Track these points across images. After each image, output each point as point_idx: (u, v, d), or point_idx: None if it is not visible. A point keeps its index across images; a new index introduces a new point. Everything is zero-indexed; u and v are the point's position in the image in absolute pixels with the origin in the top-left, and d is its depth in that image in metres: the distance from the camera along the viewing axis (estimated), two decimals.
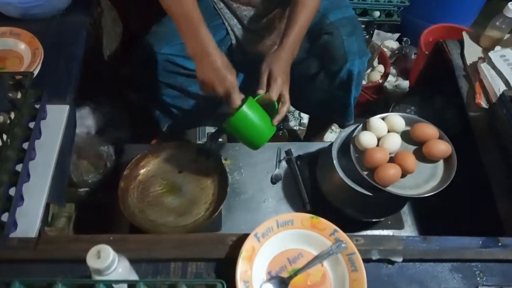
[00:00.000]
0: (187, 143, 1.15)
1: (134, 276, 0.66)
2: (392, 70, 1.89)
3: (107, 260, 0.57)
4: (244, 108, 0.85)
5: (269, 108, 0.90)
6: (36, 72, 1.03)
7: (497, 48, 1.15)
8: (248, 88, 1.36)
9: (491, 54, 1.13)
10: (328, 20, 1.07)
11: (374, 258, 0.76)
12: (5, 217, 0.78)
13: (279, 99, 0.90)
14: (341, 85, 1.11)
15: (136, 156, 1.07)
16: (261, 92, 0.90)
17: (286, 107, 0.90)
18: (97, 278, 0.59)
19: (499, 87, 1.07)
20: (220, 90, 0.88)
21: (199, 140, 1.59)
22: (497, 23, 1.16)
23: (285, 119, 1.74)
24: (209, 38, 0.88)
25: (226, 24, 1.17)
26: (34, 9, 1.13)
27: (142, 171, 1.08)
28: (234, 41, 1.19)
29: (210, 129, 1.61)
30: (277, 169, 1.16)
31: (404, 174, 0.92)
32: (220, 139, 1.58)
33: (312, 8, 0.97)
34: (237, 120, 0.86)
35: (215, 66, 0.87)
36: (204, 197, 1.05)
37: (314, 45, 1.10)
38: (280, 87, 0.89)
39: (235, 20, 1.16)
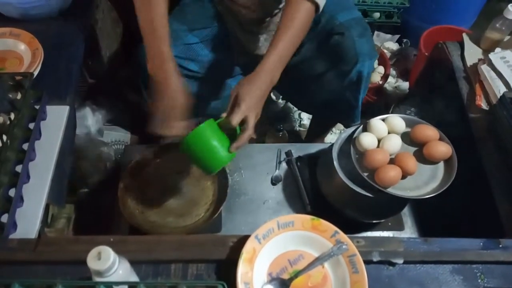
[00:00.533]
0: None
1: (134, 278, 0.66)
2: (392, 72, 1.89)
3: (108, 262, 0.56)
4: (201, 127, 0.81)
5: (235, 133, 0.86)
6: (36, 73, 1.03)
7: (497, 49, 1.15)
8: None
9: (491, 55, 1.13)
10: (338, 21, 1.06)
11: (375, 259, 0.76)
12: (4, 218, 0.78)
13: (243, 125, 0.84)
14: (350, 85, 1.11)
15: (136, 157, 1.07)
16: (224, 115, 0.84)
17: (247, 134, 0.83)
18: (98, 279, 0.59)
19: (499, 89, 1.07)
20: (163, 108, 0.85)
21: None
22: (497, 25, 1.16)
23: (285, 120, 1.74)
24: (170, 59, 0.88)
25: (228, 26, 1.16)
26: (34, 9, 1.13)
27: (142, 172, 1.08)
28: (235, 43, 1.19)
29: None
30: (277, 170, 1.16)
31: (404, 176, 0.92)
32: None
33: (300, 29, 0.91)
34: (191, 139, 0.81)
35: (171, 90, 0.86)
36: (204, 198, 1.05)
37: (323, 45, 1.09)
38: (243, 113, 0.82)
39: (236, 22, 1.16)
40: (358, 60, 1.04)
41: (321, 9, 0.94)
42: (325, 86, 1.15)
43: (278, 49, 0.88)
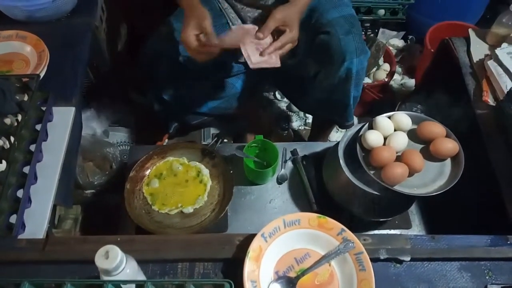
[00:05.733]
0: (192, 144, 1.14)
1: (142, 277, 0.66)
2: (398, 69, 1.88)
3: (116, 260, 0.57)
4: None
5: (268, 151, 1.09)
6: (42, 75, 1.03)
7: (504, 45, 1.15)
8: (249, 89, 1.36)
9: (497, 51, 1.12)
10: (326, 20, 1.06)
11: (382, 257, 0.76)
12: (13, 218, 0.78)
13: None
14: (340, 84, 1.10)
15: (141, 157, 1.07)
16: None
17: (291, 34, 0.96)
18: (106, 278, 0.59)
19: (506, 84, 1.06)
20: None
21: (204, 140, 1.59)
22: (504, 20, 1.15)
23: (290, 118, 1.74)
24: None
25: (230, 24, 1.17)
26: (39, 12, 1.14)
27: (147, 172, 1.08)
28: None
29: (215, 130, 1.61)
30: (283, 169, 1.16)
31: (411, 173, 0.91)
32: (225, 140, 1.58)
33: None
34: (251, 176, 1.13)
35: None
36: (210, 198, 1.05)
37: (312, 45, 1.09)
38: (293, 37, 0.95)
39: (239, 21, 1.16)
40: (345, 58, 1.04)
41: None
42: (318, 85, 1.15)
43: None
